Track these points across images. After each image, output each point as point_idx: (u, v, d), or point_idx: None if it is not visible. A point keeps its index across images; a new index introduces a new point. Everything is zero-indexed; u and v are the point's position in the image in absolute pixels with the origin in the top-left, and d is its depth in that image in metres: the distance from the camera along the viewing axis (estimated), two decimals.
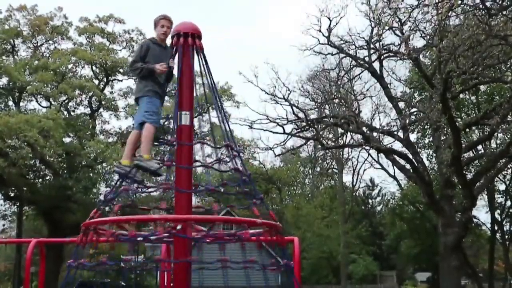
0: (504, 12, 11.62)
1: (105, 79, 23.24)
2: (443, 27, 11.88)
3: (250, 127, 17.14)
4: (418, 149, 18.90)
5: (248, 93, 49.46)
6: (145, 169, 4.18)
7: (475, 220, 24.89)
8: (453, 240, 15.28)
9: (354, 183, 35.60)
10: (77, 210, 19.42)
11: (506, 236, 27.53)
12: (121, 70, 22.58)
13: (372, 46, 16.44)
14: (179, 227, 3.98)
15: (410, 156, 16.32)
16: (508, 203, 26.39)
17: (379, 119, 26.41)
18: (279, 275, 22.08)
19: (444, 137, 17.08)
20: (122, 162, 4.27)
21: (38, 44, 22.98)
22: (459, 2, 11.73)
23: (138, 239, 4.16)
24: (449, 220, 15.66)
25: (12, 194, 21.60)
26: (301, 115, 17.22)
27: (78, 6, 50.01)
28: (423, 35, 14.45)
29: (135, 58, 4.40)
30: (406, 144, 16.69)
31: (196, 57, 4.59)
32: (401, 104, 18.07)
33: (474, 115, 19.11)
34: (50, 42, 23.16)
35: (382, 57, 16.59)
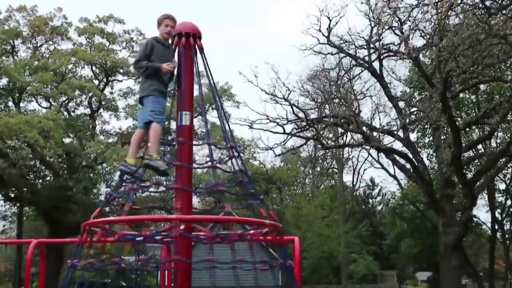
0: (504, 11, 11.61)
1: (105, 80, 23.25)
2: (443, 27, 11.87)
3: (250, 127, 17.16)
4: (418, 149, 18.90)
5: (248, 93, 49.53)
6: (154, 169, 4.17)
7: (475, 219, 24.90)
8: (453, 240, 15.28)
9: (354, 183, 35.64)
10: (78, 211, 19.43)
11: (507, 235, 27.54)
12: (121, 71, 22.60)
13: (372, 45, 16.44)
14: (182, 227, 3.98)
15: (410, 156, 16.32)
16: (509, 202, 26.41)
17: (379, 119, 26.53)
18: (279, 275, 22.06)
19: (444, 137, 17.09)
20: (128, 161, 4.24)
21: (38, 45, 22.99)
22: (459, 1, 11.70)
23: (138, 239, 4.16)
24: (449, 219, 15.66)
25: (13, 195, 21.61)
26: (301, 115, 17.23)
27: (77, 7, 50.07)
28: (422, 34, 14.46)
29: (140, 56, 4.38)
30: (406, 144, 16.69)
31: (196, 57, 4.61)
32: (401, 104, 18.08)
33: (474, 114, 19.11)
34: (50, 42, 23.17)
35: (382, 57, 16.59)
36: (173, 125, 5.13)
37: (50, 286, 17.85)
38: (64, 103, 22.34)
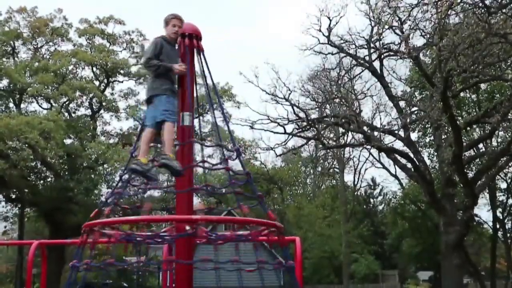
0: (504, 10, 11.61)
1: (105, 81, 23.28)
2: (443, 26, 11.86)
3: (251, 127, 17.15)
4: (419, 148, 18.89)
5: (249, 93, 49.54)
6: (171, 169, 4.15)
7: (476, 218, 24.89)
8: (454, 239, 15.26)
9: (355, 183, 35.65)
10: (79, 212, 19.45)
11: (508, 234, 27.52)
12: (122, 71, 22.64)
13: (372, 45, 16.42)
14: (187, 228, 3.98)
15: (411, 155, 16.30)
16: (510, 201, 26.39)
17: (380, 118, 26.53)
18: (281, 275, 22.06)
19: (445, 136, 17.07)
20: (142, 160, 4.20)
21: (38, 46, 23.04)
22: (459, 0, 11.70)
23: (143, 239, 4.15)
24: (450, 218, 15.64)
25: (14, 196, 21.63)
26: (302, 115, 17.21)
27: (78, 8, 50.14)
28: (423, 33, 14.44)
29: (150, 55, 4.34)
30: (407, 143, 16.67)
31: (196, 58, 4.63)
32: (402, 103, 18.04)
33: (474, 113, 19.09)
34: (50, 43, 23.22)
35: (382, 56, 16.56)
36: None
37: (51, 287, 17.87)
38: (64, 104, 22.38)
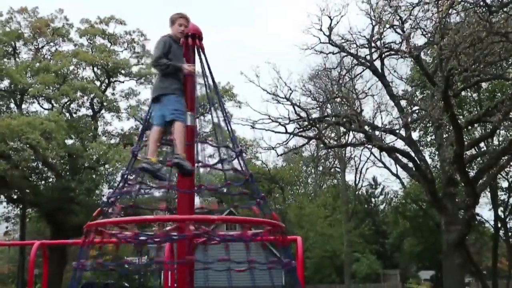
0: (505, 9, 11.59)
1: (106, 81, 23.31)
2: (444, 25, 11.85)
3: (252, 127, 17.14)
4: (421, 147, 18.88)
5: (250, 93, 49.50)
6: (183, 168, 4.15)
7: (478, 217, 24.86)
8: (456, 238, 15.25)
9: (356, 182, 35.63)
10: (80, 212, 19.49)
11: (510, 233, 27.47)
12: (123, 72, 22.65)
13: (373, 44, 16.40)
14: (192, 227, 3.99)
15: (413, 154, 16.29)
16: (511, 200, 26.34)
17: (381, 118, 26.34)
18: (282, 275, 22.06)
19: (446, 135, 17.05)
20: (152, 159, 4.18)
21: (39, 46, 23.07)
22: None
23: (141, 238, 4.15)
24: (452, 218, 15.63)
25: (15, 197, 21.68)
26: (303, 114, 17.20)
27: (79, 8, 50.21)
28: (424, 33, 14.42)
29: (160, 53, 4.31)
30: (408, 142, 16.66)
31: (196, 58, 4.64)
32: (403, 103, 18.03)
33: (476, 112, 19.05)
34: (51, 44, 23.25)
35: (383, 56, 16.54)
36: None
37: (53, 287, 17.90)
38: (66, 105, 22.41)
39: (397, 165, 20.55)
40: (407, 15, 13.96)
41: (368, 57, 16.86)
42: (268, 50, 57.26)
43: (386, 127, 17.31)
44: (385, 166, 27.42)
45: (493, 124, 14.49)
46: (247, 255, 4.08)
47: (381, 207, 39.63)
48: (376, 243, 35.13)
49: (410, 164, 16.76)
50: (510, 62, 14.29)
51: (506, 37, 11.12)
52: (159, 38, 4.45)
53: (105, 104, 22.73)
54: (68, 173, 20.94)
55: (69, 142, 21.26)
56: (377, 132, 16.93)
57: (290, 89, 16.95)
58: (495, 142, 20.68)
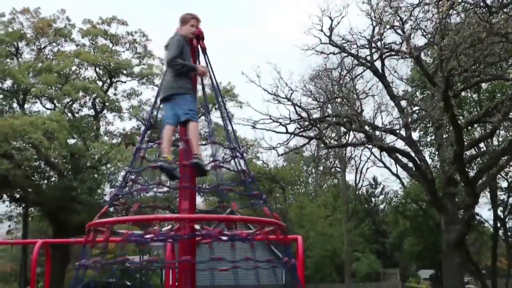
0: (505, 10, 11.63)
1: (108, 81, 23.39)
2: (444, 25, 11.90)
3: (253, 127, 17.20)
4: (421, 147, 18.94)
5: (251, 93, 49.58)
6: (200, 168, 4.15)
7: (477, 217, 24.91)
8: (456, 237, 15.32)
9: (357, 182, 35.71)
10: (82, 211, 19.59)
11: (509, 233, 27.55)
12: (125, 72, 22.74)
13: (373, 45, 16.46)
14: (197, 226, 4.04)
15: (413, 154, 16.36)
16: (511, 200, 26.41)
17: (381, 118, 26.51)
18: (283, 274, 22.16)
19: (446, 135, 17.12)
20: (169, 158, 4.17)
21: (42, 47, 23.16)
22: (460, 0, 11.74)
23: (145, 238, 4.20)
24: (451, 217, 15.70)
25: (18, 196, 21.79)
26: (303, 114, 17.27)
27: (81, 8, 50.28)
28: (424, 33, 14.48)
29: (176, 53, 4.29)
30: (409, 143, 16.73)
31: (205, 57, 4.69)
32: (403, 103, 18.10)
33: (476, 113, 19.11)
34: (54, 44, 23.34)
35: (383, 56, 16.61)
36: None
37: (56, 286, 18.03)
38: (68, 104, 22.51)
39: (397, 165, 20.61)
40: (407, 16, 14.03)
41: (368, 58, 16.93)
42: (269, 50, 57.37)
43: (387, 127, 17.38)
44: (385, 166, 27.50)
45: (493, 125, 14.55)
46: (252, 254, 4.13)
47: (381, 206, 39.71)
48: (376, 242, 35.21)
49: (410, 164, 16.83)
50: (510, 63, 14.34)
51: (506, 38, 11.17)
52: (173, 37, 4.42)
53: (107, 104, 22.82)
54: (70, 173, 21.05)
55: (71, 141, 21.36)
56: (377, 132, 17.01)
57: (291, 89, 17.04)
58: (495, 142, 20.75)
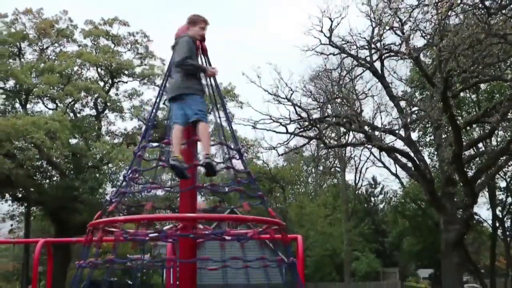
0: (503, 11, 11.72)
1: (110, 81, 23.49)
2: (443, 27, 11.99)
3: (254, 127, 17.30)
4: (420, 147, 19.03)
5: (251, 93, 49.70)
6: (211, 169, 4.17)
7: (476, 217, 25.01)
8: (454, 237, 15.42)
9: (356, 182, 35.83)
10: (84, 210, 19.68)
11: (507, 233, 27.67)
12: (126, 72, 22.84)
13: (373, 46, 16.56)
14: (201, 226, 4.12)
15: (412, 154, 16.46)
16: (509, 199, 26.52)
17: (381, 118, 26.60)
18: (283, 273, 22.24)
19: (445, 135, 17.22)
20: (179, 157, 4.18)
21: (44, 47, 23.26)
22: (459, 1, 11.80)
23: (146, 238, 4.25)
24: (450, 217, 15.80)
25: (20, 195, 21.87)
26: (303, 114, 17.36)
27: (83, 9, 50.39)
28: (423, 34, 14.57)
29: (188, 54, 4.30)
30: (408, 143, 16.83)
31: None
32: (402, 103, 18.20)
33: (474, 113, 19.22)
34: (56, 44, 23.44)
35: (383, 57, 16.70)
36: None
37: (57, 284, 18.15)
38: (70, 105, 22.61)
39: (397, 165, 20.75)
40: (406, 17, 14.13)
41: (368, 59, 17.03)
42: (269, 50, 57.43)
43: (386, 127, 17.48)
44: (385, 166, 27.63)
45: (491, 125, 14.66)
46: (259, 253, 4.20)
47: (381, 206, 39.81)
48: (376, 242, 35.31)
49: (410, 164, 16.94)
50: (508, 64, 14.43)
51: (504, 39, 11.26)
52: (184, 38, 4.43)
53: (108, 104, 22.92)
54: (72, 172, 21.15)
55: (73, 141, 21.46)
56: (376, 132, 17.11)
57: (291, 90, 17.13)
58: (493, 142, 20.87)
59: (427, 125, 19.65)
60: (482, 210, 36.89)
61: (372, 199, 39.78)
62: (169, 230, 4.49)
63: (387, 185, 42.85)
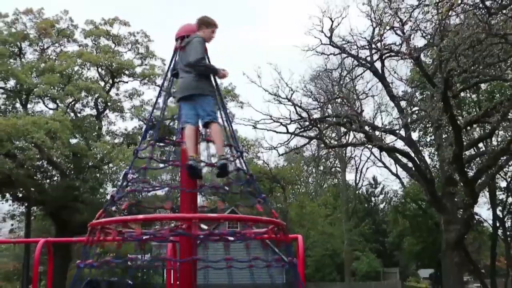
0: (504, 11, 11.72)
1: (110, 81, 23.51)
2: (444, 27, 12.01)
3: (254, 127, 17.32)
4: (420, 147, 19.07)
5: (252, 93, 49.68)
6: (226, 170, 4.18)
7: (476, 217, 25.02)
8: (455, 237, 15.44)
9: (357, 182, 35.89)
10: (84, 210, 19.70)
11: (508, 233, 27.67)
12: (127, 72, 22.86)
13: (373, 46, 16.57)
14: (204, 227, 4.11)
15: (412, 154, 16.48)
16: (510, 199, 26.55)
17: (381, 118, 26.70)
18: (283, 273, 22.30)
19: (446, 135, 17.25)
20: (195, 157, 4.18)
21: (45, 47, 23.27)
22: (459, 1, 11.81)
23: (144, 237, 4.25)
24: (451, 217, 15.82)
25: (20, 195, 21.88)
26: (304, 114, 17.39)
27: (83, 9, 50.39)
28: (424, 34, 14.57)
29: (202, 55, 4.31)
30: (408, 143, 16.85)
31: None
32: (403, 103, 18.23)
33: (475, 113, 19.22)
34: (56, 44, 23.45)
35: (383, 57, 16.71)
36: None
37: (58, 284, 18.16)
38: (70, 104, 22.62)
39: (397, 165, 20.78)
40: (407, 17, 14.11)
41: (368, 59, 17.04)
42: (269, 50, 57.45)
43: (386, 127, 17.53)
44: (385, 166, 27.66)
45: (492, 125, 14.68)
46: (264, 254, 4.19)
47: (381, 206, 39.85)
48: (376, 241, 35.35)
49: (410, 164, 16.96)
50: (509, 64, 14.41)
51: (505, 39, 11.27)
52: (198, 38, 4.40)
53: (109, 104, 22.94)
54: (72, 172, 21.17)
55: (73, 141, 21.47)
56: (377, 132, 17.13)
57: (292, 90, 17.15)
58: (494, 142, 20.85)
59: (427, 125, 19.67)
60: (483, 210, 37.00)
61: (373, 199, 39.82)
62: (163, 230, 4.47)
63: (388, 185, 42.90)
